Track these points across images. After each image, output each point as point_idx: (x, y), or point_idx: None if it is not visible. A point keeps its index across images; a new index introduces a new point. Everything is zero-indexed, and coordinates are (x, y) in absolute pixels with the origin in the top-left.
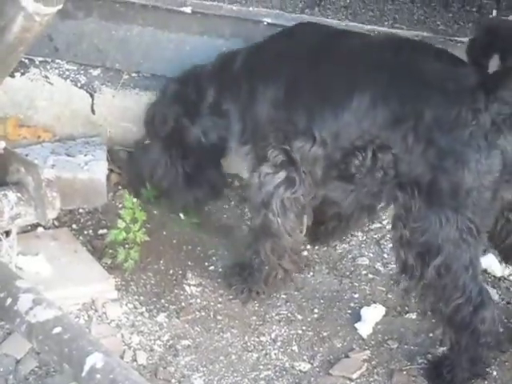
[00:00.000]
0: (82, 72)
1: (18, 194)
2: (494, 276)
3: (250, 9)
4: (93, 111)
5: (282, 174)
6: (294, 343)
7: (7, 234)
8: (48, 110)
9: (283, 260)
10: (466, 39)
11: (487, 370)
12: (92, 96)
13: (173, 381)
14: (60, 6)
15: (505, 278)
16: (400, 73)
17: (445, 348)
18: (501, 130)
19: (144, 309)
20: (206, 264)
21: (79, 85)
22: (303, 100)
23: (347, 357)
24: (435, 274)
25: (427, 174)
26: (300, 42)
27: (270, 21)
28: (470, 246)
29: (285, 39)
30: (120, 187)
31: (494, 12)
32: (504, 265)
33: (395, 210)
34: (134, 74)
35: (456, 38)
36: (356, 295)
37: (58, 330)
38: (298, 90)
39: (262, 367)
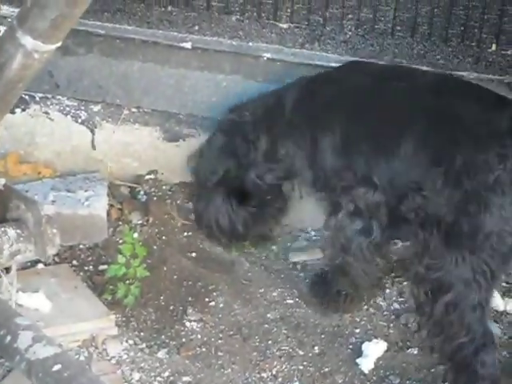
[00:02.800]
0: (82, 108)
1: (18, 231)
2: (496, 310)
3: (250, 44)
4: (93, 147)
5: (358, 222)
6: (295, 379)
7: (7, 270)
8: (48, 145)
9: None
10: (465, 73)
11: None
12: (92, 132)
13: None
14: (59, 44)
15: (507, 313)
16: (439, 118)
17: None
18: None
19: (144, 345)
20: (207, 300)
21: (80, 121)
22: (359, 148)
23: None
24: (443, 311)
25: (450, 215)
26: (349, 86)
27: (269, 56)
28: (481, 288)
29: (334, 82)
30: (120, 222)
31: (494, 46)
32: (506, 299)
33: (414, 247)
34: (134, 110)
35: (456, 73)
36: (357, 330)
37: (57, 367)
38: (353, 138)
39: None
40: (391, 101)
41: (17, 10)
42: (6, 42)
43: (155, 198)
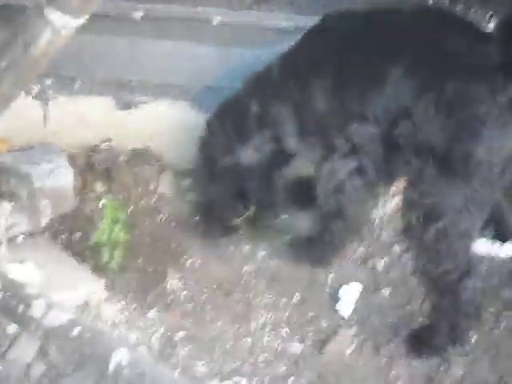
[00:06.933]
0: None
1: (12, 204)
2: None
3: (199, 9)
4: (48, 119)
5: (353, 163)
6: (283, 325)
7: None
8: (1, 121)
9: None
10: None
11: (466, 337)
12: (46, 104)
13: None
14: (86, 17)
15: None
16: (427, 48)
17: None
18: None
19: (136, 305)
20: (185, 257)
21: (33, 94)
22: (350, 84)
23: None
24: (434, 238)
25: (444, 144)
26: (334, 32)
27: (219, 19)
28: (472, 217)
29: (318, 34)
30: (86, 191)
31: None
32: None
33: (408, 176)
34: (86, 81)
35: None
36: (331, 275)
37: (76, 331)
38: (343, 76)
39: (258, 351)
40: (379, 37)
41: None
42: (32, 19)
43: (113, 166)
